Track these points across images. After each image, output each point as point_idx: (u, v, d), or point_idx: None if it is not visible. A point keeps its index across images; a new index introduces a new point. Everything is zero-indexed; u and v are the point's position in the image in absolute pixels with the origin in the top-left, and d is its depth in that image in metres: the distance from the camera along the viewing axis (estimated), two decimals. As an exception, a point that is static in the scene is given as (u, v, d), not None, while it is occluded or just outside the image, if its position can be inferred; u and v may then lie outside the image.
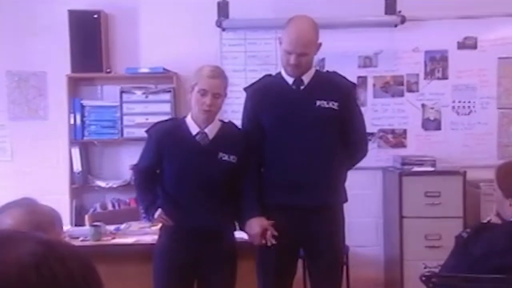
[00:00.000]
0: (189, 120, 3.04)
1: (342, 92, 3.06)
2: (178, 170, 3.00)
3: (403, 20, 4.68)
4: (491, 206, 4.48)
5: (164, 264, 2.99)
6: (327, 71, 3.25)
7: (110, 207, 4.67)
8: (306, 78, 3.06)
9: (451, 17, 4.78)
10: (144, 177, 3.14)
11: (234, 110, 4.84)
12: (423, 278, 1.56)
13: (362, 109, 3.41)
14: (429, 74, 4.85)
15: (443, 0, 4.77)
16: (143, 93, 4.64)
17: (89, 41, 4.65)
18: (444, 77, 4.85)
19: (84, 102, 4.70)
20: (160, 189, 3.09)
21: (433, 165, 4.49)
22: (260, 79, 3.27)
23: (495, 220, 2.02)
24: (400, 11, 4.69)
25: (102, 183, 4.67)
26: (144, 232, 3.58)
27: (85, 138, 4.70)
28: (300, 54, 2.96)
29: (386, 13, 4.74)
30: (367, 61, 4.82)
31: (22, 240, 0.85)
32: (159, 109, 4.61)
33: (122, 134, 4.64)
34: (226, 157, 3.00)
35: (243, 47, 4.85)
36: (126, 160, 4.72)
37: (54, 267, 0.81)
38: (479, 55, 4.83)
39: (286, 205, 3.00)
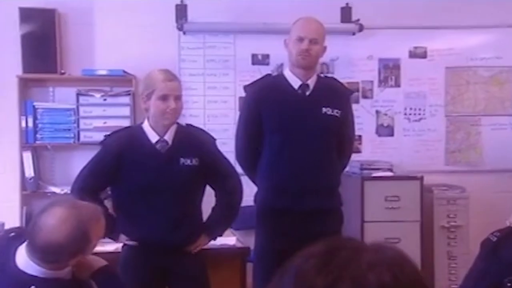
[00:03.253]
0: (147, 128, 2.88)
1: (343, 99, 3.13)
2: (140, 182, 2.82)
3: (361, 29, 4.79)
4: (444, 209, 4.72)
5: (131, 284, 2.74)
6: (326, 76, 3.28)
7: (64, 214, 4.47)
8: (311, 83, 3.07)
9: (403, 27, 4.94)
10: (94, 199, 2.83)
11: (192, 114, 4.79)
12: (509, 285, 1.59)
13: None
14: (383, 82, 4.99)
15: (395, 10, 4.92)
16: (102, 96, 4.48)
17: (42, 41, 4.44)
18: (397, 84, 5.00)
19: (37, 105, 4.47)
20: (116, 205, 2.94)
21: (391, 170, 4.61)
22: (261, 78, 3.25)
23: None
24: (358, 20, 4.78)
25: (55, 189, 4.47)
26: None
27: (37, 142, 4.47)
28: (311, 40, 2.98)
29: (342, 21, 4.83)
30: (324, 67, 4.88)
31: (371, 249, 0.91)
32: (118, 113, 4.47)
33: (78, 138, 4.45)
34: (188, 162, 2.86)
35: (202, 51, 4.79)
36: (81, 165, 4.49)
37: (402, 274, 0.87)
38: (429, 64, 5.02)
39: (287, 208, 3.01)
